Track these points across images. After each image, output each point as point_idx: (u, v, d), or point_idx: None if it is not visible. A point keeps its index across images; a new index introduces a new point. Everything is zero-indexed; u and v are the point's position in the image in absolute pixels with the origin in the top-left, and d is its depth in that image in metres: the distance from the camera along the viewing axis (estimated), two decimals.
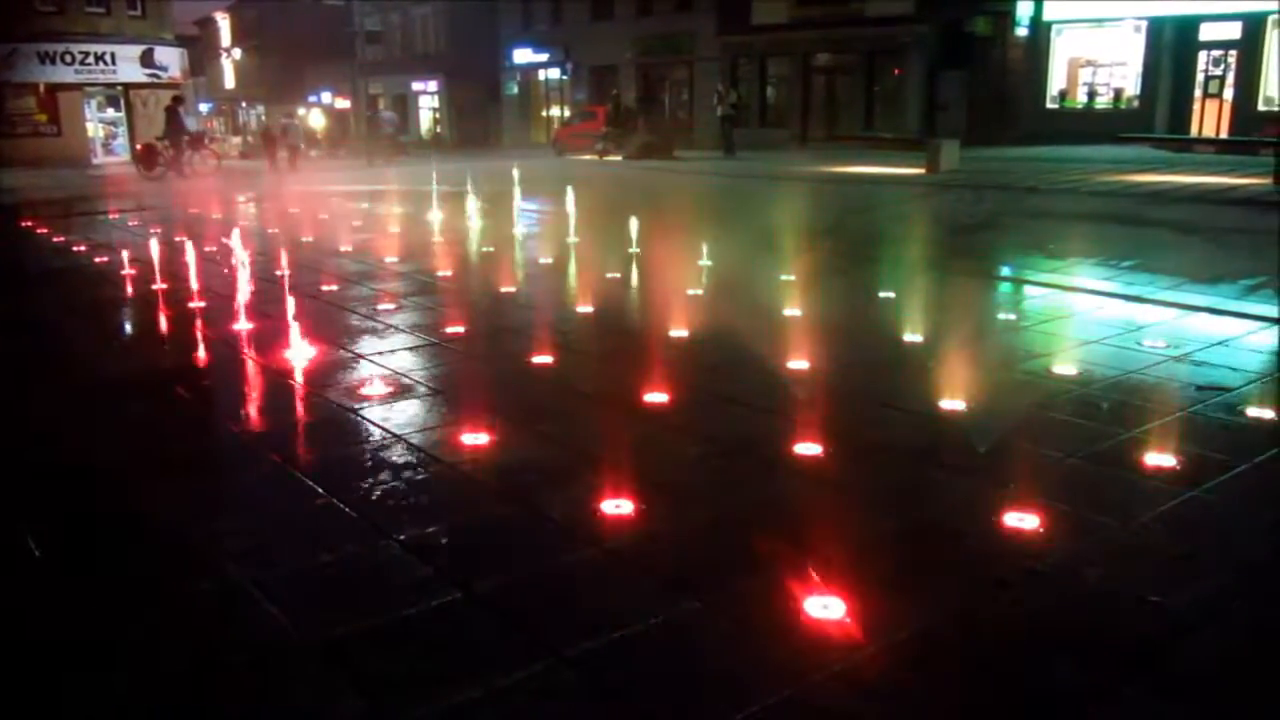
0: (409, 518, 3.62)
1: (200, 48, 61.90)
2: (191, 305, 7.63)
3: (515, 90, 44.73)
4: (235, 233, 7.86)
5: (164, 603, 3.08)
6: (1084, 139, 23.89)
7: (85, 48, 31.81)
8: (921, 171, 19.13)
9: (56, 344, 6.86)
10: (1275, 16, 22.85)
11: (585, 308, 7.28)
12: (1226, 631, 2.82)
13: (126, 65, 32.75)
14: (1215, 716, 2.47)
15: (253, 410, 5.21)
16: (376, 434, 4.58)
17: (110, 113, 33.87)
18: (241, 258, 7.46)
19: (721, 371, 5.59)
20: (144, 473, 4.22)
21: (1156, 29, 25.44)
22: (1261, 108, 23.81)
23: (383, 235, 11.73)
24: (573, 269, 9.31)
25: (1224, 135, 23.98)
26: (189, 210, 16.03)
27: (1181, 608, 2.91)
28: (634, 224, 9.52)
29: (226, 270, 8.33)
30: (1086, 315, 7.01)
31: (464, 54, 44.69)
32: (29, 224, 14.27)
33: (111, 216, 15.45)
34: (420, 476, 4.04)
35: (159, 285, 8.34)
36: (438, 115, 49.23)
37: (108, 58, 32.31)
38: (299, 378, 5.64)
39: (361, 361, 5.93)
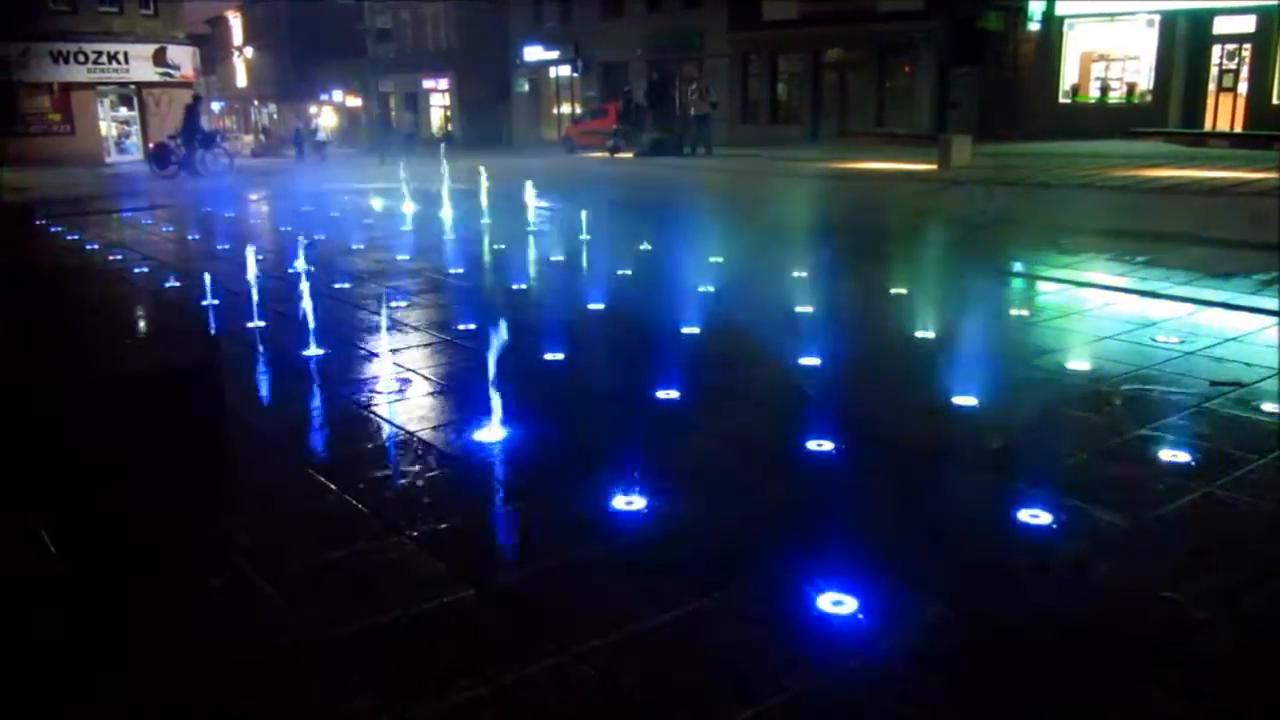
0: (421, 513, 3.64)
1: (212, 46, 62.16)
2: None
3: (526, 87, 44.76)
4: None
5: (175, 599, 3.10)
6: (1096, 134, 23.77)
7: (98, 47, 32.03)
8: (933, 167, 19.06)
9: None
10: None
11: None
12: (1240, 627, 2.81)
13: (139, 64, 32.96)
14: (1225, 714, 2.46)
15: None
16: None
17: (123, 111, 34.10)
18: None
19: (736, 365, 5.60)
20: (168, 468, 4.25)
21: (1169, 23, 25.29)
22: (1276, 101, 23.65)
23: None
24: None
25: (1238, 130, 23.83)
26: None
27: (1195, 604, 2.90)
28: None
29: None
30: (1098, 310, 6.99)
31: (475, 52, 44.78)
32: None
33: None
34: (436, 471, 4.06)
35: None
36: (448, 113, 49.30)
37: (120, 57, 32.52)
38: None
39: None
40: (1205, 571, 3.10)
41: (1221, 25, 24.67)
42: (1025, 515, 3.47)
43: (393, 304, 7.62)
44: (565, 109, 42.56)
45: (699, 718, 2.45)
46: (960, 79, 27.62)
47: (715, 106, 27.96)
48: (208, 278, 7.83)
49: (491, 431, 4.47)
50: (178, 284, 8.39)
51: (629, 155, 27.81)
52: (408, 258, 10.06)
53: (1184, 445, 4.13)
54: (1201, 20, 24.88)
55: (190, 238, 12.66)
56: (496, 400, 4.57)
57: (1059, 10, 27.36)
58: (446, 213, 13.35)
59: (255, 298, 7.08)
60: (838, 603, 2.88)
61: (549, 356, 5.89)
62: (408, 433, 4.55)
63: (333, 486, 3.92)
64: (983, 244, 9.53)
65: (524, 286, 8.36)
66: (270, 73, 59.88)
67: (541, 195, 13.10)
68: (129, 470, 4.26)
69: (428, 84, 49.45)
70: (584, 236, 10.66)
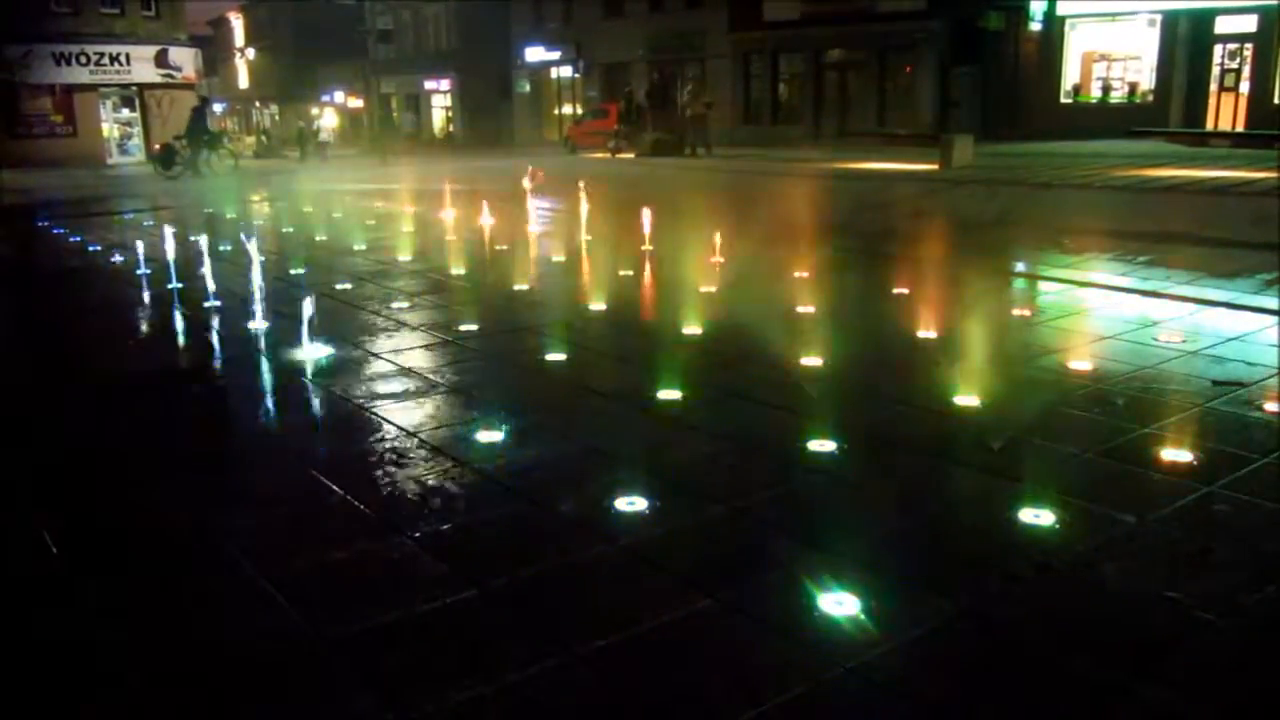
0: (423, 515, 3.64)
1: (214, 48, 62.27)
2: None
3: (527, 88, 44.81)
4: None
5: (177, 599, 3.10)
6: (1098, 134, 23.76)
7: (100, 48, 32.09)
8: (934, 167, 19.05)
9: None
10: None
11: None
12: (1242, 628, 2.80)
13: (141, 66, 33.01)
14: (1227, 714, 2.46)
15: None
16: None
17: (125, 113, 34.16)
18: None
19: (737, 365, 5.60)
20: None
21: (1171, 22, 25.29)
22: (1278, 101, 23.64)
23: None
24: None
25: (1240, 129, 23.81)
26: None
27: (1198, 604, 2.89)
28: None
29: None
30: (1100, 310, 6.98)
31: (476, 52, 44.83)
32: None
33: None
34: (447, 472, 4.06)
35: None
36: (450, 114, 49.34)
37: (122, 58, 32.57)
38: None
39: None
40: (1207, 571, 3.10)
41: (1223, 25, 24.66)
42: (1027, 514, 3.46)
43: (394, 304, 7.63)
44: (566, 109, 42.58)
45: (700, 718, 2.45)
46: (961, 79, 27.62)
47: (710, 107, 27.99)
48: (210, 279, 7.84)
49: (494, 431, 4.47)
50: (180, 285, 8.38)
51: (630, 155, 27.82)
52: (409, 258, 10.07)
53: (1186, 445, 4.13)
54: (1203, 20, 24.86)
55: (193, 239, 12.64)
56: (499, 400, 4.57)
57: (1060, 10, 27.35)
58: (448, 213, 13.36)
59: (257, 299, 7.09)
60: (839, 603, 2.88)
61: (551, 356, 5.89)
62: (409, 433, 4.55)
63: (335, 487, 3.92)
64: (984, 244, 9.53)
65: (525, 286, 8.35)
66: (272, 74, 59.95)
67: (543, 195, 13.11)
68: (129, 470, 4.27)
69: (429, 85, 49.50)
70: (585, 237, 10.67)
